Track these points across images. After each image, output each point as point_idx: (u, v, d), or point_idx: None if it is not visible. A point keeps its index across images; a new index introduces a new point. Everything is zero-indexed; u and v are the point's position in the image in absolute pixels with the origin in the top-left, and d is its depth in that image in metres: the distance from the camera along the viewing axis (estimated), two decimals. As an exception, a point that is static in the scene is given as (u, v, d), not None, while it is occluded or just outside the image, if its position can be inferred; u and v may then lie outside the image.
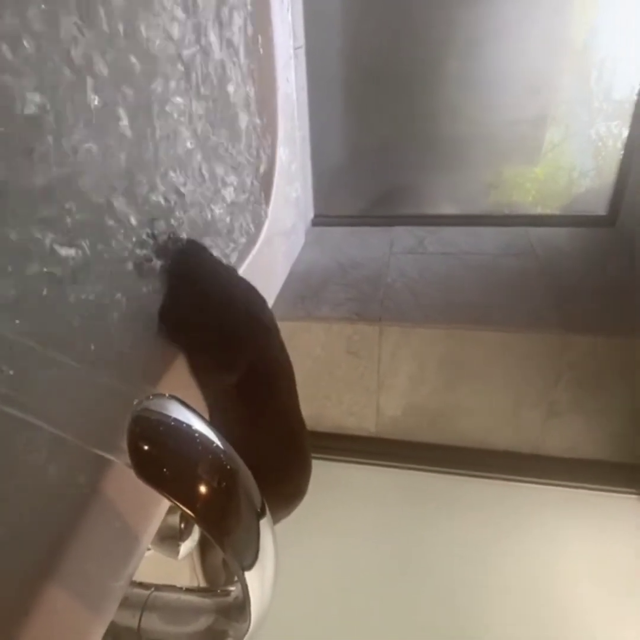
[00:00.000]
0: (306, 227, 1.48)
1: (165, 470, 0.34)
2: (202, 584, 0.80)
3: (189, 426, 0.38)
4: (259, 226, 0.96)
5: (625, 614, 0.87)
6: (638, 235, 1.24)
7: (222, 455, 0.38)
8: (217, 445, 0.38)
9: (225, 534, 0.36)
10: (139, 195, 0.53)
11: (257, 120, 0.93)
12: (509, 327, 0.97)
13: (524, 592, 0.90)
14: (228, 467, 0.38)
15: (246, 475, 0.40)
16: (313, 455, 0.79)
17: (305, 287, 1.14)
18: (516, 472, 1.06)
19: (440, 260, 1.24)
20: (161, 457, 0.34)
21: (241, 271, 0.79)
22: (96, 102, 0.44)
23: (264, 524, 0.40)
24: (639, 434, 1.02)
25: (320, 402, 1.12)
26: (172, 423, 0.36)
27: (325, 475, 1.03)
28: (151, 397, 0.36)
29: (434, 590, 0.92)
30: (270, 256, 1.05)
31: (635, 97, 1.32)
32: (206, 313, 0.69)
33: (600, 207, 1.47)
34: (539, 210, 1.53)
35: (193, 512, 0.34)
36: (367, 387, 1.07)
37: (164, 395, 0.36)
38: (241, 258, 0.85)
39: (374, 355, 1.03)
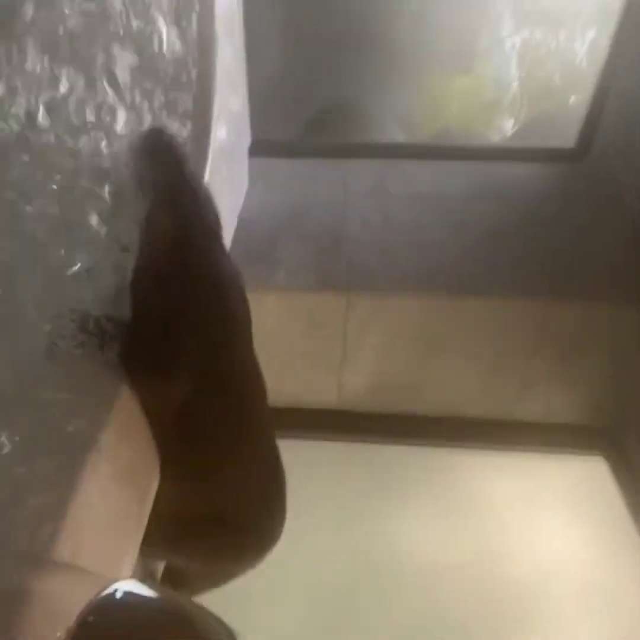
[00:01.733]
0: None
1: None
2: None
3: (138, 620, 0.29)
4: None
5: (593, 565, 0.89)
6: (617, 173, 1.12)
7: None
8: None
9: None
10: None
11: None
12: (491, 293, 0.85)
13: (503, 555, 0.89)
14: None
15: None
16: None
17: (254, 243, 0.94)
18: (487, 440, 1.01)
19: (404, 205, 1.07)
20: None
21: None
22: None
23: None
24: (609, 398, 0.98)
25: (273, 377, 0.97)
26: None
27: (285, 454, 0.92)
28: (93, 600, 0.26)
29: (412, 572, 0.87)
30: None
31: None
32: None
33: (568, 139, 1.34)
34: (496, 137, 1.40)
35: None
36: (330, 361, 0.93)
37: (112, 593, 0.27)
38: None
39: (338, 329, 0.88)
